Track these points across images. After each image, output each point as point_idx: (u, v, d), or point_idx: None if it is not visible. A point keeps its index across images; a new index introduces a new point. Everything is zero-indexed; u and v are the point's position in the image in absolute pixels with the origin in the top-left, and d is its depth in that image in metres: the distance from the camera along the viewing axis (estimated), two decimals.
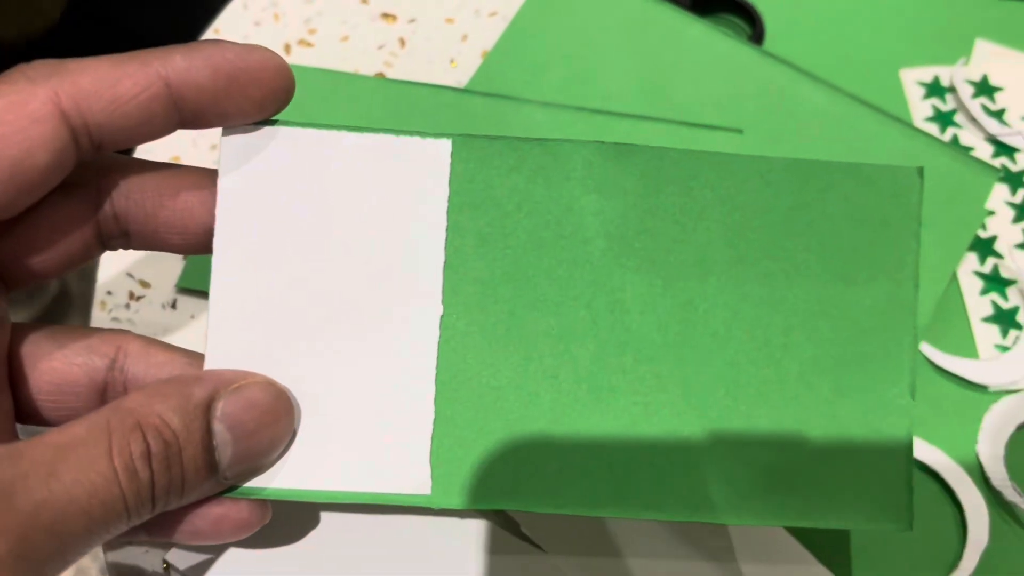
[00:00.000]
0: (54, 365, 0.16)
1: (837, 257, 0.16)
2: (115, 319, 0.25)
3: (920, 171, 0.16)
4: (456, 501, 0.15)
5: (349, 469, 0.15)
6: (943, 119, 0.27)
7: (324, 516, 0.18)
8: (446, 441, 0.16)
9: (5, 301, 0.15)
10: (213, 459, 0.14)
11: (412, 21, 0.29)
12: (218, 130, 0.16)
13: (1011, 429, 0.23)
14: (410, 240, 0.16)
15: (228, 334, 0.16)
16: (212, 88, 0.14)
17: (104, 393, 0.16)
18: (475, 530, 0.19)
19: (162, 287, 0.26)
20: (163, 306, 0.25)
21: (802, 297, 0.16)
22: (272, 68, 0.15)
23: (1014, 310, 0.24)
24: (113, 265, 0.26)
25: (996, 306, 0.25)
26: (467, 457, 0.16)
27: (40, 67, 0.14)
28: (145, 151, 0.26)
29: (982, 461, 0.23)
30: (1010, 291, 0.25)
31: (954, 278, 0.25)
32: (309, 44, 0.28)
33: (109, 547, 0.22)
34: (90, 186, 0.16)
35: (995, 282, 0.25)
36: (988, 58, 0.27)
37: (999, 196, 0.26)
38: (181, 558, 0.19)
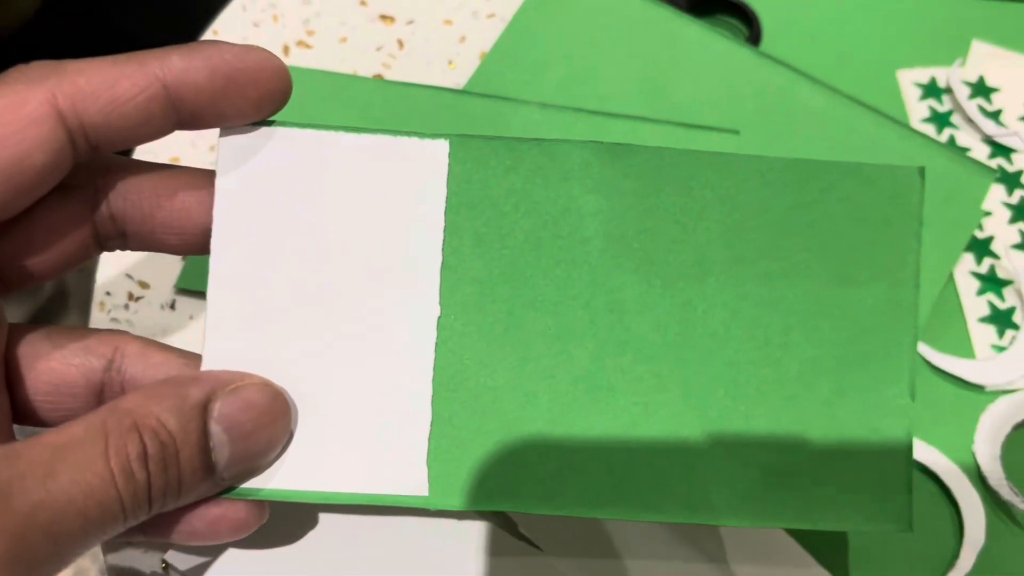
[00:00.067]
0: (51, 366, 0.16)
1: (837, 257, 0.16)
2: (114, 320, 0.25)
3: (921, 171, 0.16)
4: (454, 502, 0.15)
5: (346, 470, 0.15)
6: (940, 120, 0.27)
7: (322, 517, 0.18)
8: (443, 442, 0.16)
9: (2, 302, 0.15)
10: (210, 460, 0.14)
11: (410, 23, 0.29)
12: (217, 131, 0.16)
13: (1008, 429, 0.23)
14: (407, 241, 0.16)
15: (225, 335, 0.16)
16: (210, 89, 0.14)
17: (101, 394, 0.16)
18: (473, 531, 0.19)
19: (161, 288, 0.26)
20: (162, 307, 0.25)
21: (801, 297, 0.16)
22: (270, 69, 0.15)
23: (1010, 310, 0.25)
24: (112, 266, 0.26)
25: (992, 306, 0.25)
26: (465, 458, 0.16)
27: (37, 68, 0.14)
28: (145, 152, 0.27)
29: (979, 461, 0.23)
30: (1006, 291, 0.25)
31: (951, 278, 0.25)
32: (308, 45, 0.28)
33: (108, 549, 0.22)
34: (87, 187, 0.16)
35: (991, 282, 0.25)
36: (985, 59, 0.28)
37: (995, 197, 0.26)
38: (180, 559, 0.19)
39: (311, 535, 0.18)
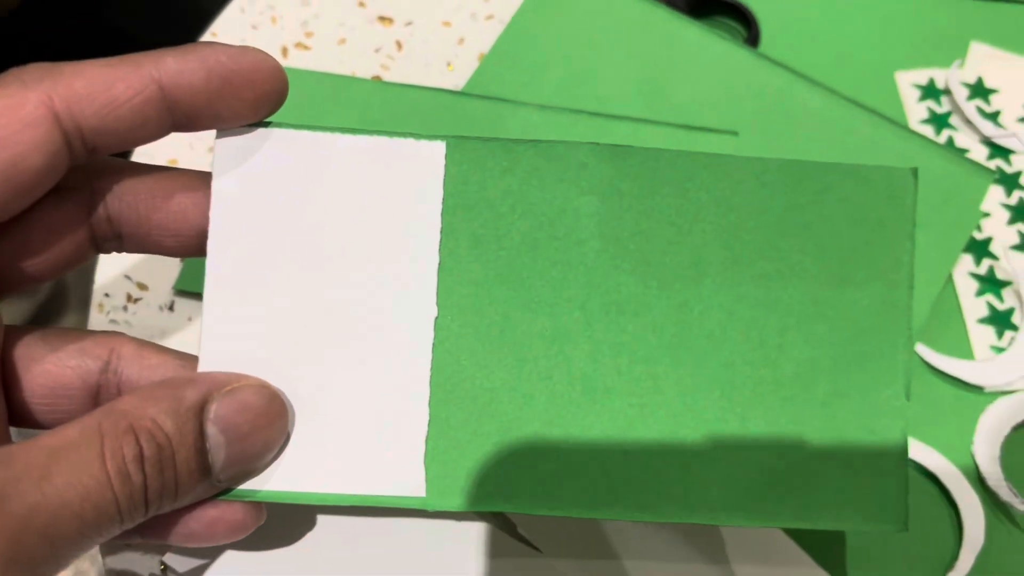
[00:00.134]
0: (47, 368, 0.16)
1: (832, 258, 0.16)
2: (112, 321, 0.25)
3: (914, 172, 0.16)
4: (451, 503, 0.15)
5: (343, 471, 0.15)
6: (938, 121, 0.27)
7: (321, 518, 0.18)
8: (441, 443, 0.16)
9: None
10: (206, 462, 0.14)
11: (409, 24, 0.29)
12: (214, 133, 0.16)
13: (1007, 430, 0.23)
14: (404, 242, 0.16)
15: (222, 336, 0.16)
16: (206, 90, 0.14)
17: (97, 396, 0.16)
18: (472, 532, 0.19)
19: (159, 289, 0.26)
20: (160, 308, 0.25)
21: (797, 298, 0.16)
22: (266, 70, 0.15)
23: (1009, 311, 0.25)
24: (111, 267, 0.26)
25: (991, 307, 0.25)
26: (462, 459, 0.15)
27: (33, 70, 0.14)
28: (142, 154, 0.27)
29: (978, 462, 0.23)
30: (1005, 292, 0.25)
31: (950, 279, 0.25)
32: (306, 47, 0.28)
33: (107, 551, 0.22)
34: (83, 189, 0.16)
35: (990, 283, 0.25)
36: (983, 60, 0.28)
37: (994, 198, 0.26)
38: (179, 561, 0.19)
39: (309, 536, 0.18)
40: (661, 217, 0.16)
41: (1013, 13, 0.28)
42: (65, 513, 0.12)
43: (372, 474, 0.15)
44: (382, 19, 0.29)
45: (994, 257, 0.25)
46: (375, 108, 0.26)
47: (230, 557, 0.18)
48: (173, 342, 0.25)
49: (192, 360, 0.16)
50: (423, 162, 0.16)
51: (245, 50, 0.15)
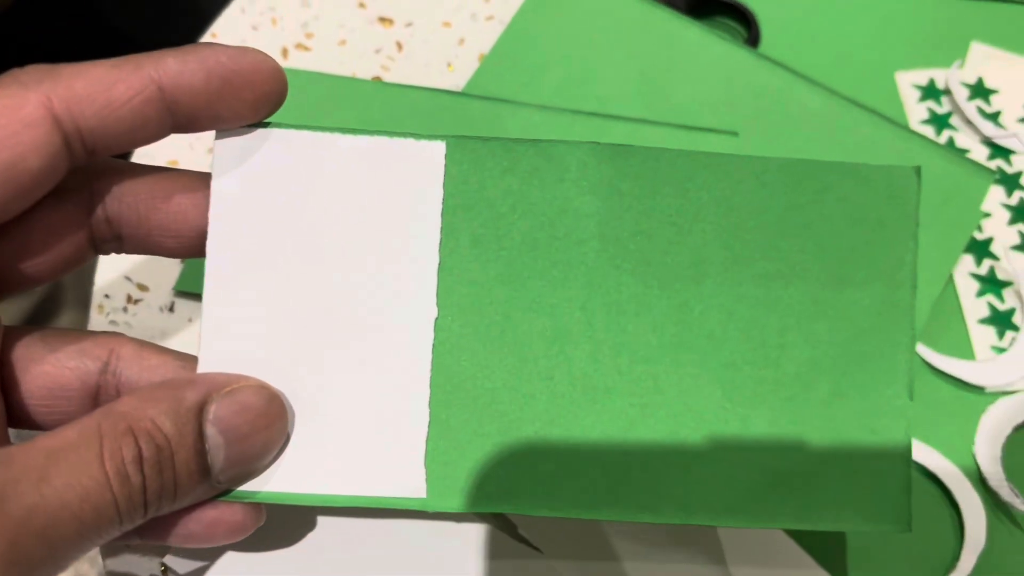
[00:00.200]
0: (46, 369, 0.16)
1: (834, 258, 0.16)
2: (112, 322, 0.25)
3: (917, 171, 0.16)
4: (452, 504, 0.15)
5: (343, 473, 0.15)
6: (939, 121, 0.27)
7: (321, 520, 0.18)
8: (441, 444, 0.16)
9: None
10: (205, 463, 0.14)
11: (409, 25, 0.29)
12: (214, 134, 0.16)
13: (1008, 430, 0.23)
14: (404, 242, 0.16)
15: (222, 337, 0.16)
16: (206, 91, 0.14)
17: (97, 397, 0.16)
18: (473, 532, 0.19)
19: (160, 290, 0.26)
20: (161, 309, 0.25)
21: (798, 298, 0.16)
22: (265, 70, 0.15)
23: (1010, 311, 0.24)
24: (111, 268, 0.26)
25: (992, 308, 0.25)
26: (462, 460, 0.15)
27: (33, 72, 0.14)
28: (142, 155, 0.27)
29: (979, 462, 0.23)
30: (1006, 293, 0.25)
31: (950, 280, 0.25)
32: (306, 48, 0.28)
33: (107, 553, 0.22)
34: (82, 190, 0.16)
35: (991, 284, 0.25)
36: (983, 61, 0.28)
37: (995, 198, 0.26)
38: (179, 563, 0.19)
39: (309, 537, 0.18)
40: (661, 217, 0.16)
41: (1013, 13, 0.28)
42: (64, 515, 0.12)
43: (372, 475, 0.15)
44: (382, 20, 0.29)
45: (995, 257, 0.25)
46: (375, 109, 0.26)
47: (230, 558, 0.18)
48: (173, 343, 0.25)
49: (192, 360, 0.16)
50: (423, 162, 0.16)
51: (245, 51, 0.15)
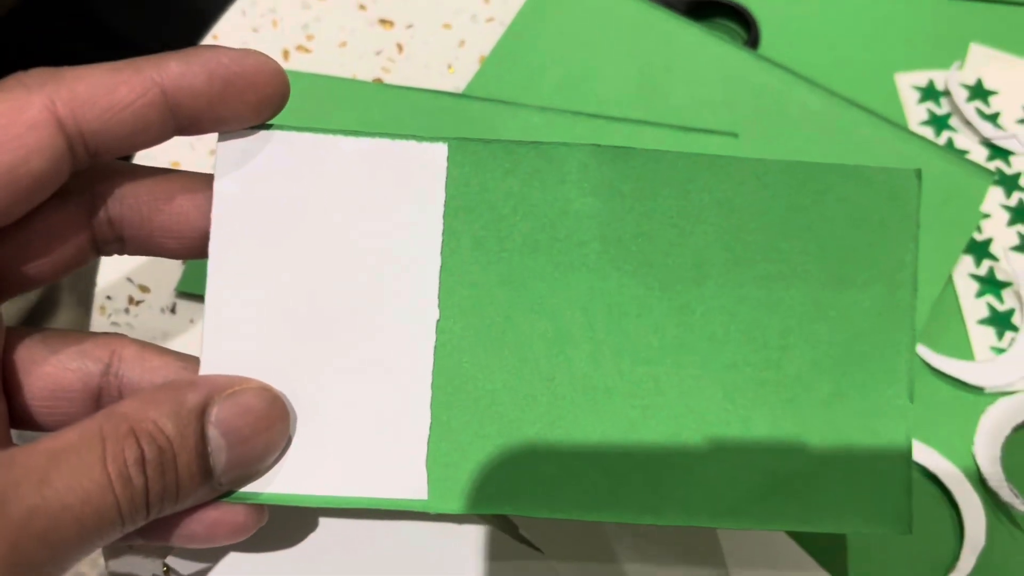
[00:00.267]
0: (48, 370, 0.16)
1: (835, 259, 0.16)
2: (114, 323, 0.25)
3: (918, 173, 0.16)
4: (453, 506, 0.15)
5: (345, 474, 0.15)
6: (938, 123, 0.27)
7: (322, 520, 0.18)
8: (442, 446, 0.16)
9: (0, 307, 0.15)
10: (207, 465, 0.14)
11: (410, 27, 0.29)
12: (216, 136, 0.16)
13: (1007, 431, 0.23)
14: (406, 244, 0.16)
15: (224, 339, 0.16)
16: (208, 93, 0.14)
17: (99, 398, 0.16)
18: (474, 533, 0.19)
19: (161, 291, 0.26)
20: (162, 310, 0.25)
21: (800, 300, 0.16)
22: (267, 72, 0.15)
23: (1010, 312, 0.25)
24: (112, 270, 0.26)
25: (992, 308, 0.25)
26: (463, 462, 0.15)
27: (36, 75, 0.14)
28: (144, 157, 0.27)
29: (979, 463, 0.23)
30: (1005, 293, 0.25)
31: (950, 281, 0.25)
32: (307, 50, 0.29)
33: (110, 554, 0.22)
34: (84, 192, 0.16)
35: (990, 284, 0.25)
36: (982, 62, 0.28)
37: (994, 199, 0.26)
38: (181, 564, 0.19)
39: (311, 538, 0.18)
40: (662, 219, 0.16)
41: (1012, 15, 0.28)
42: (65, 517, 0.12)
43: (374, 477, 0.15)
44: (383, 22, 0.29)
45: (994, 258, 0.25)
46: (376, 111, 0.26)
47: (232, 559, 0.18)
48: (175, 344, 0.25)
49: (194, 361, 0.16)
50: (425, 164, 0.16)
51: (247, 53, 0.15)
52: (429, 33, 0.29)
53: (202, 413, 0.14)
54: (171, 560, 0.19)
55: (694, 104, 0.26)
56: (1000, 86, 0.27)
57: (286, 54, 0.28)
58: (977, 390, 0.23)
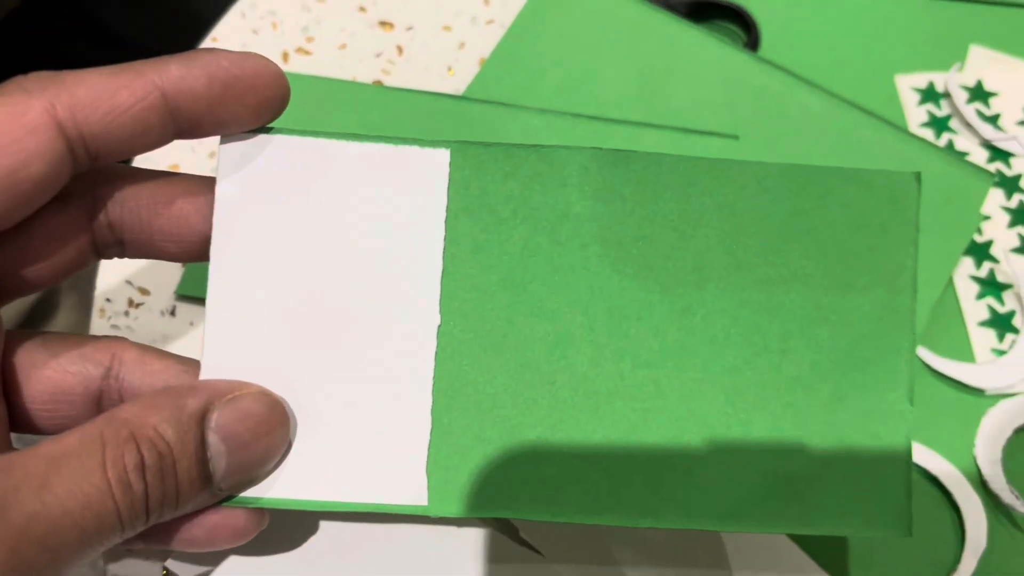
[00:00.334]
0: (48, 374, 0.16)
1: (835, 262, 0.16)
2: (114, 326, 0.25)
3: (918, 176, 0.16)
4: (453, 509, 0.15)
5: (345, 480, 0.15)
6: (938, 124, 0.27)
7: (323, 524, 0.18)
8: (443, 449, 0.16)
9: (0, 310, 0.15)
10: (207, 471, 0.14)
11: (410, 29, 0.29)
12: (216, 138, 0.16)
13: (1008, 432, 0.23)
14: (407, 248, 0.16)
15: (225, 343, 0.16)
16: (208, 96, 0.14)
17: (99, 401, 0.16)
18: (475, 536, 0.19)
19: (161, 294, 0.26)
20: (162, 313, 0.25)
21: (800, 303, 0.16)
22: (268, 75, 0.15)
23: (1010, 314, 0.25)
24: (112, 273, 0.26)
25: (992, 310, 0.25)
26: (464, 465, 0.15)
27: (36, 78, 0.14)
28: (144, 159, 0.27)
29: (980, 465, 0.23)
30: (1006, 295, 0.25)
31: (950, 282, 0.25)
32: (307, 52, 0.29)
33: (110, 558, 0.22)
34: (85, 195, 0.16)
35: (991, 286, 0.25)
36: (983, 63, 0.28)
37: (994, 201, 0.26)
38: (181, 567, 0.19)
39: (311, 541, 0.18)
40: (663, 222, 0.16)
41: (1012, 16, 0.28)
42: (65, 522, 0.12)
43: (373, 483, 0.15)
44: (383, 24, 0.29)
45: (995, 260, 0.25)
46: (376, 113, 0.26)
47: (232, 562, 0.18)
48: (175, 347, 0.25)
49: (194, 365, 0.16)
50: (427, 169, 0.16)
51: (247, 56, 0.15)
52: (429, 35, 0.29)
53: (202, 418, 0.14)
54: (171, 563, 0.19)
55: (694, 106, 0.26)
56: (1000, 88, 0.27)
57: (286, 56, 0.28)
58: (978, 392, 0.23)
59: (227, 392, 0.15)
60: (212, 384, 0.15)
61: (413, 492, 0.15)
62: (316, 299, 0.16)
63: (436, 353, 0.16)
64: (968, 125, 0.27)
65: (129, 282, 0.26)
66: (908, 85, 0.27)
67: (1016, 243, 0.25)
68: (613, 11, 0.27)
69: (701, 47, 0.27)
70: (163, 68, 0.14)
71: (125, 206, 0.16)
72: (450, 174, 0.16)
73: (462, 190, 0.16)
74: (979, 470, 0.23)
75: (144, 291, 0.26)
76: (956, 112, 0.27)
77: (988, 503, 0.22)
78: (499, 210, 0.16)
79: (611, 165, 0.16)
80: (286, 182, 0.16)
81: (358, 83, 0.27)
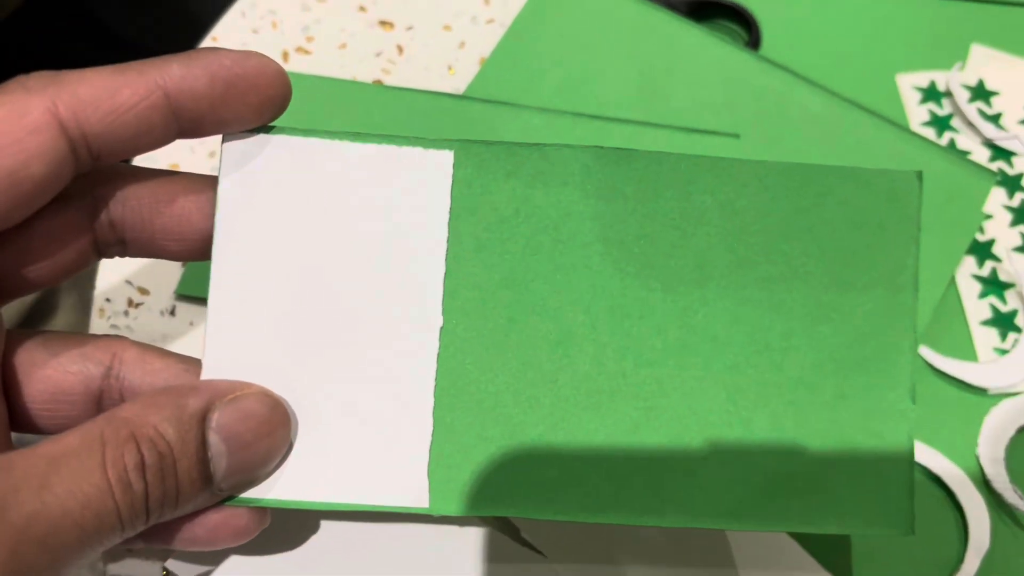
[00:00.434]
0: (48, 373, 0.15)
1: (837, 261, 0.16)
2: (114, 326, 0.25)
3: (919, 175, 0.16)
4: (455, 508, 0.15)
5: (346, 481, 0.15)
6: (940, 123, 0.27)
7: (324, 523, 0.18)
8: (446, 448, 0.15)
9: (0, 310, 0.15)
10: (208, 471, 0.14)
11: (410, 28, 0.29)
12: (216, 137, 0.16)
13: (1011, 432, 0.23)
14: (410, 249, 0.16)
15: (226, 343, 0.15)
16: (210, 95, 0.14)
17: (100, 401, 0.16)
18: (476, 536, 0.19)
19: (161, 294, 0.25)
20: (162, 313, 0.25)
21: (802, 301, 0.16)
22: (269, 74, 0.15)
23: (1012, 313, 0.24)
24: (112, 273, 0.26)
25: (995, 309, 0.25)
26: (466, 464, 0.15)
27: (38, 78, 0.14)
28: (144, 159, 0.27)
29: (983, 464, 0.23)
30: (1008, 294, 0.25)
31: (952, 281, 0.25)
32: (307, 52, 0.29)
33: (110, 558, 0.22)
34: (86, 195, 0.16)
35: (993, 285, 0.25)
36: (984, 62, 0.28)
37: (996, 200, 0.26)
38: (181, 567, 0.19)
39: (312, 541, 0.18)
40: (665, 220, 0.16)
41: (1013, 15, 0.28)
42: (65, 522, 0.12)
43: (375, 483, 0.15)
44: (383, 23, 0.29)
45: (997, 259, 0.25)
46: (376, 112, 0.26)
47: (233, 562, 0.18)
48: (175, 347, 0.25)
49: (195, 364, 0.16)
50: (431, 170, 0.16)
51: (248, 55, 0.15)
52: (429, 35, 0.29)
53: (203, 418, 0.14)
54: (171, 564, 0.19)
55: (695, 105, 0.26)
56: (1002, 87, 0.27)
57: (286, 56, 0.28)
58: (980, 391, 0.23)
59: (228, 392, 0.15)
60: (213, 384, 0.15)
61: (414, 493, 0.15)
62: (318, 298, 0.16)
63: (438, 352, 0.16)
64: (970, 124, 0.27)
65: (129, 282, 0.26)
66: (909, 84, 0.27)
67: (1018, 242, 0.25)
68: (613, 10, 0.27)
69: (702, 46, 0.27)
70: (165, 67, 0.14)
71: (126, 205, 0.16)
72: (453, 174, 0.16)
73: (464, 189, 0.16)
74: (982, 469, 0.23)
75: (144, 291, 0.26)
76: (958, 111, 0.27)
77: (991, 502, 0.22)
78: (501, 209, 0.16)
79: (613, 164, 0.16)
80: (288, 181, 0.16)
81: (358, 83, 0.27)
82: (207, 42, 0.29)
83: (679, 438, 0.16)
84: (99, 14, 0.40)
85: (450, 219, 0.16)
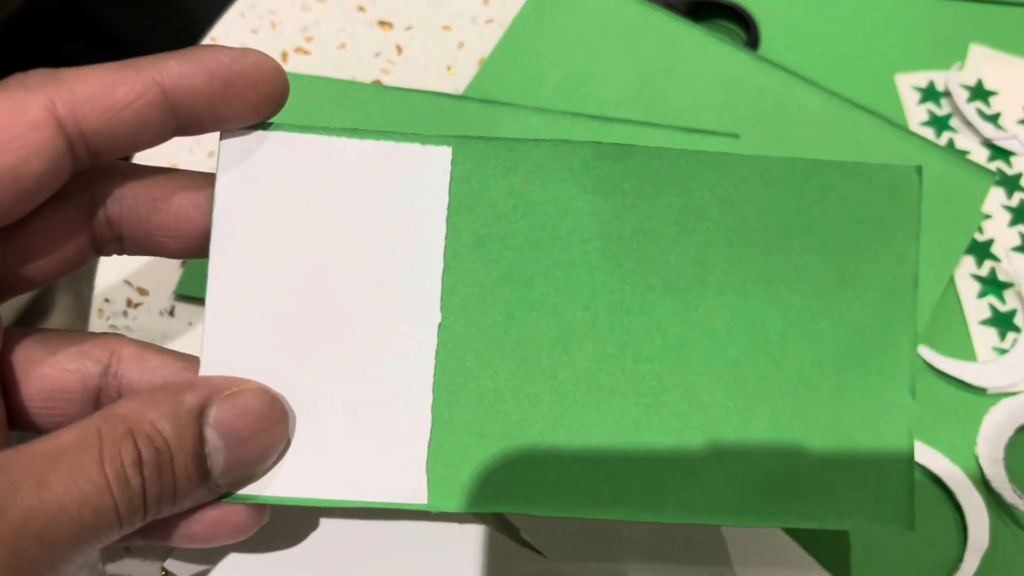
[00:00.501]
0: (46, 371, 0.15)
1: (837, 256, 0.16)
2: (112, 326, 0.25)
3: (919, 169, 0.16)
4: (454, 504, 0.15)
5: (344, 478, 0.15)
6: (939, 123, 0.27)
7: (323, 521, 0.18)
8: (445, 445, 0.15)
9: None
10: (205, 467, 0.14)
11: (409, 28, 0.29)
12: (215, 137, 0.16)
13: (1010, 431, 0.23)
14: (409, 246, 0.16)
15: (224, 340, 0.15)
16: (208, 93, 0.14)
17: (98, 399, 0.16)
18: (476, 536, 0.19)
19: (160, 294, 0.25)
20: (161, 313, 0.25)
21: (801, 296, 0.16)
22: (267, 71, 0.15)
23: (1011, 313, 0.24)
24: (111, 273, 0.26)
25: (994, 309, 0.25)
26: (465, 461, 0.15)
27: (36, 75, 0.14)
28: (142, 159, 0.27)
29: (982, 464, 0.23)
30: (1007, 294, 0.25)
31: (951, 281, 0.25)
32: (306, 52, 0.29)
33: (108, 558, 0.21)
34: (84, 192, 0.16)
35: (992, 285, 0.25)
36: (983, 62, 0.28)
37: (995, 200, 0.26)
38: (180, 567, 0.19)
39: (311, 539, 0.18)
40: (664, 216, 0.16)
41: (1012, 15, 0.28)
42: (63, 518, 0.12)
43: (373, 480, 0.15)
44: (382, 24, 0.29)
45: (995, 259, 0.25)
46: (375, 112, 0.26)
47: (231, 561, 0.18)
48: (174, 347, 0.25)
49: (193, 361, 0.16)
50: (429, 166, 0.16)
51: (246, 52, 0.15)
52: (428, 35, 0.29)
53: (200, 414, 0.14)
54: (170, 563, 0.19)
55: (694, 106, 0.26)
56: (1000, 87, 0.27)
57: (285, 56, 0.28)
58: (979, 391, 0.23)
59: (226, 388, 0.15)
60: (211, 380, 0.15)
61: (412, 489, 0.15)
62: (316, 295, 0.16)
63: (437, 349, 0.16)
64: (968, 124, 0.27)
65: (128, 282, 0.26)
66: (908, 84, 0.27)
67: (1017, 241, 0.25)
68: (613, 11, 0.27)
69: (701, 46, 0.27)
70: (163, 64, 0.14)
71: (124, 202, 0.16)
72: (451, 171, 0.16)
73: (463, 186, 0.16)
74: (981, 469, 0.23)
75: (143, 291, 0.26)
76: (956, 111, 0.27)
77: (990, 502, 0.22)
78: (500, 205, 0.16)
79: (612, 159, 0.16)
80: (287, 178, 0.16)
81: (357, 83, 0.27)
82: (206, 42, 0.29)
83: (679, 435, 0.16)
84: (99, 15, 0.40)
85: (448, 215, 0.16)
